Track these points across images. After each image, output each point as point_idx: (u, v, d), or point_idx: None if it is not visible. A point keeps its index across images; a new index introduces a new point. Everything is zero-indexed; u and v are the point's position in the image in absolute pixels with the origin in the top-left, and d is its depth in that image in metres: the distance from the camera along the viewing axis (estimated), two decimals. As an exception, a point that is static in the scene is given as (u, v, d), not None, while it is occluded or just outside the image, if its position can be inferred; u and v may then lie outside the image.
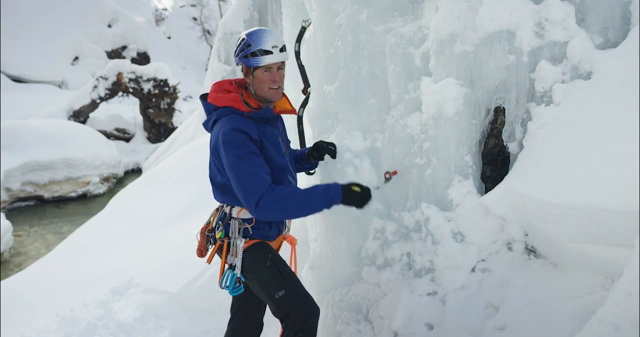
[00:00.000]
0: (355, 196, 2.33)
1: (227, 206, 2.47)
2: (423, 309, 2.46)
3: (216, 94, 2.42)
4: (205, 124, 2.50)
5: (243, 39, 2.36)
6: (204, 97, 2.49)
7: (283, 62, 2.40)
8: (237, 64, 2.41)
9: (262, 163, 2.28)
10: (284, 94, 2.54)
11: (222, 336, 2.69)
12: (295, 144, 2.99)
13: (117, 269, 4.90)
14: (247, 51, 2.33)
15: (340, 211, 2.77)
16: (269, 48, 2.32)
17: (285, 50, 2.38)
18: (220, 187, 2.45)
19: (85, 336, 3.71)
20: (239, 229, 2.41)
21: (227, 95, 2.39)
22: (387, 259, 2.68)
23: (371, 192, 2.39)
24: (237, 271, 2.38)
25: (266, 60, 2.32)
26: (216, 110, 2.40)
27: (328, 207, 2.30)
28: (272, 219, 2.37)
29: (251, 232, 2.42)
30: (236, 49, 2.40)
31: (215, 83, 2.49)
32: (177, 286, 4.13)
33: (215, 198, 2.53)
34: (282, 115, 2.65)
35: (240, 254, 2.38)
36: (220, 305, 3.81)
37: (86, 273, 5.12)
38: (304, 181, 3.11)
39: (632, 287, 1.60)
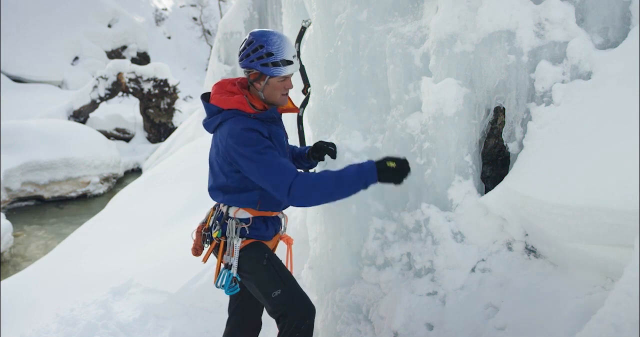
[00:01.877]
0: (392, 171, 2.21)
1: (224, 205, 2.47)
2: (423, 309, 2.46)
3: (220, 95, 2.39)
4: (207, 125, 2.46)
5: (261, 46, 2.29)
6: (205, 98, 2.47)
7: None
8: (246, 68, 2.35)
9: (281, 155, 2.30)
10: None
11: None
12: (295, 145, 2.99)
13: (117, 269, 4.90)
14: (268, 60, 2.28)
15: (340, 211, 2.78)
16: (290, 58, 2.31)
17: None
18: (221, 189, 2.45)
19: (85, 336, 3.71)
20: (236, 229, 2.41)
21: (232, 97, 2.36)
22: (387, 259, 2.68)
23: (409, 164, 2.26)
24: (233, 271, 2.38)
25: (289, 70, 2.33)
26: (220, 112, 2.37)
27: (365, 187, 2.21)
28: (307, 205, 2.31)
29: (248, 232, 2.42)
30: (248, 53, 2.32)
31: (217, 84, 2.46)
32: (177, 286, 4.13)
33: (212, 198, 2.53)
34: (283, 116, 2.65)
35: (236, 254, 2.38)
36: (220, 305, 3.81)
37: (86, 273, 5.12)
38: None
39: (632, 287, 1.60)
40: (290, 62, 2.32)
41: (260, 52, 2.29)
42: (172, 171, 7.66)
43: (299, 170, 2.81)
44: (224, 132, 2.32)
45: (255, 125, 2.30)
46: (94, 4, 29.11)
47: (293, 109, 2.59)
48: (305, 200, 2.23)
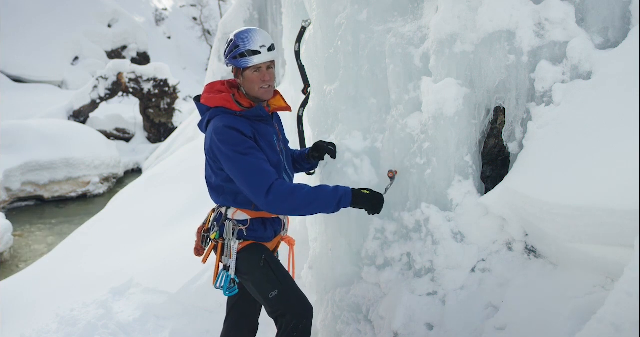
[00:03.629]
0: (366, 198, 2.30)
1: (223, 206, 2.47)
2: (423, 309, 2.46)
3: (208, 94, 2.43)
4: (199, 125, 2.51)
5: (232, 40, 2.35)
6: (197, 99, 2.50)
7: (272, 61, 2.39)
8: (227, 65, 2.41)
9: (264, 158, 2.29)
10: (277, 91, 2.54)
11: (221, 336, 2.70)
12: (295, 144, 2.99)
13: (117, 269, 4.89)
14: (236, 52, 2.32)
15: (340, 211, 2.78)
16: (257, 48, 2.31)
17: (273, 49, 2.36)
18: (215, 189, 2.45)
19: (85, 336, 3.71)
20: (234, 231, 2.41)
21: (218, 95, 2.39)
22: (387, 259, 2.68)
23: (384, 197, 2.36)
24: (231, 272, 2.39)
25: (255, 60, 2.32)
26: (209, 110, 2.41)
27: (337, 207, 2.27)
28: (281, 211, 2.31)
29: (245, 234, 2.42)
30: (225, 50, 2.38)
31: (208, 84, 2.50)
32: (177, 286, 4.13)
33: (211, 199, 2.53)
34: (283, 116, 2.65)
35: (234, 256, 2.39)
36: (220, 305, 3.80)
37: (86, 273, 5.12)
38: (304, 181, 3.11)
39: (632, 287, 1.60)
40: (256, 52, 2.31)
41: (231, 47, 2.35)
42: (172, 171, 7.67)
43: (299, 172, 2.83)
44: (210, 129, 2.36)
45: (239, 123, 2.30)
46: (94, 4, 29.11)
47: (286, 108, 2.56)
48: (282, 205, 2.24)
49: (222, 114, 2.35)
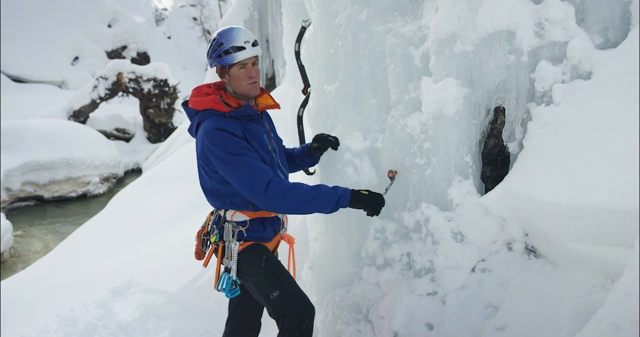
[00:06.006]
0: (365, 198, 2.30)
1: (221, 209, 2.47)
2: (423, 309, 2.46)
3: (196, 98, 2.43)
4: (189, 130, 2.50)
5: (214, 39, 2.35)
6: (185, 104, 2.49)
7: (257, 57, 2.40)
8: (212, 66, 2.40)
9: (257, 157, 2.30)
10: (264, 90, 2.55)
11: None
12: (295, 144, 2.99)
13: (117, 269, 4.90)
14: (220, 50, 2.32)
15: (340, 210, 2.78)
16: (241, 44, 2.32)
17: (257, 44, 2.38)
18: (211, 192, 2.45)
19: (85, 336, 3.71)
20: (233, 232, 2.40)
21: (206, 98, 2.39)
22: (387, 259, 2.68)
23: (383, 198, 2.36)
24: (233, 274, 2.38)
25: (240, 56, 2.32)
26: (197, 114, 2.41)
27: (335, 207, 2.26)
28: (279, 209, 2.31)
29: (245, 235, 2.42)
30: (208, 51, 2.38)
31: (195, 88, 2.50)
32: (177, 286, 4.13)
33: (209, 203, 2.53)
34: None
35: (235, 257, 2.38)
36: (220, 305, 3.81)
37: (86, 273, 5.12)
38: (303, 181, 3.11)
39: (632, 287, 1.60)
40: (241, 48, 2.32)
41: (214, 46, 2.35)
42: (172, 171, 7.67)
43: (300, 168, 2.83)
44: (200, 132, 2.36)
45: (229, 125, 2.30)
46: (94, 4, 29.12)
47: (274, 105, 2.57)
48: (280, 202, 2.23)
49: (212, 116, 2.35)
